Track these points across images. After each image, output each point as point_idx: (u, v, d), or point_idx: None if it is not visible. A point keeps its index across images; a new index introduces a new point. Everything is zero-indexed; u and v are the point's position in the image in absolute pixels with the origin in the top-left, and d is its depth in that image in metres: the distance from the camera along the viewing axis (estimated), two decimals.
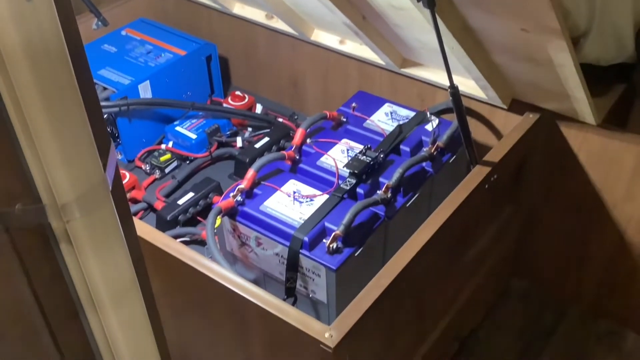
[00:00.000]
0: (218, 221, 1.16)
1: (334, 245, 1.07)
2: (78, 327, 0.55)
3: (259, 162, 1.19)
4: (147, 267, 0.99)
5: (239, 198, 1.16)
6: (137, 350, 0.59)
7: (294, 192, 1.18)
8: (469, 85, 1.30)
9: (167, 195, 1.45)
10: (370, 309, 0.92)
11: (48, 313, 0.53)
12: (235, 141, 1.57)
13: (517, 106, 1.30)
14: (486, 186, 1.15)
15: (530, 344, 1.44)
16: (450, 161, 1.28)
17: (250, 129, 1.62)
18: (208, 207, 1.40)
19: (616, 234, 1.35)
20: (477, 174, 1.14)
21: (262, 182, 1.20)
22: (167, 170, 1.52)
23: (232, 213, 1.16)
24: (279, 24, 1.55)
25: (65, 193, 0.47)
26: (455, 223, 1.08)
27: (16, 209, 0.48)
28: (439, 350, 1.28)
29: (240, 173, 1.50)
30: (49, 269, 0.52)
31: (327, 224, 1.11)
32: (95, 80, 1.51)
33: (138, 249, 0.58)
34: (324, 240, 1.09)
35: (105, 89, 1.49)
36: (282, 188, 1.18)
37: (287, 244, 1.10)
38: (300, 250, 1.09)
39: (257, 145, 1.49)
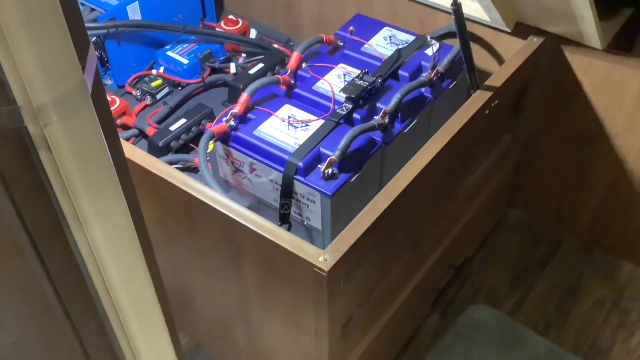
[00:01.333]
0: (210, 146, 1.13)
1: (330, 170, 1.05)
2: (62, 241, 0.52)
3: (252, 85, 1.15)
4: (138, 193, 0.96)
5: (232, 123, 1.13)
6: (125, 267, 0.57)
7: (289, 117, 1.14)
8: (472, 7, 1.25)
9: (159, 122, 1.41)
10: (365, 233, 0.90)
11: (30, 227, 0.50)
12: (229, 67, 1.52)
13: (520, 29, 1.25)
14: (486, 112, 1.12)
15: (524, 274, 1.44)
16: (450, 87, 1.24)
17: (244, 55, 1.56)
18: (201, 134, 1.35)
19: (616, 164, 1.32)
20: (477, 99, 1.10)
21: (256, 107, 1.16)
22: (158, 97, 1.48)
23: (225, 138, 1.13)
24: None
25: (41, 94, 0.44)
26: (453, 149, 1.05)
27: None
28: (433, 278, 1.28)
29: (233, 100, 1.45)
30: (28, 178, 0.49)
31: (322, 150, 1.08)
32: (82, 1, 1.44)
33: (123, 160, 0.55)
34: (319, 166, 1.06)
35: (92, 9, 1.43)
36: (277, 113, 1.15)
37: (282, 169, 1.07)
38: (295, 176, 1.06)
39: (252, 72, 1.44)
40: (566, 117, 1.32)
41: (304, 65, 1.24)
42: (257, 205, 1.20)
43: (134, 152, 1.03)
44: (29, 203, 0.50)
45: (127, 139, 1.38)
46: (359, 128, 1.07)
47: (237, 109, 1.14)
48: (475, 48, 1.33)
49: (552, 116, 1.34)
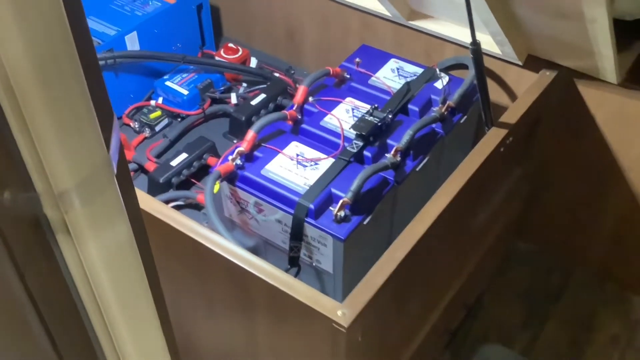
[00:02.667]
0: (216, 186, 1.08)
1: (342, 213, 1.01)
2: (79, 329, 0.48)
3: (259, 122, 1.11)
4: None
5: (238, 161, 1.09)
6: (144, 348, 0.53)
7: (297, 155, 1.10)
8: (481, 39, 1.21)
9: (159, 156, 1.37)
10: (384, 284, 0.86)
11: (45, 313, 0.46)
12: (230, 97, 1.48)
13: (532, 62, 1.23)
14: (501, 149, 1.09)
15: (536, 309, 1.41)
16: (462, 121, 1.21)
17: (245, 85, 1.52)
18: (202, 169, 1.32)
19: (628, 197, 1.30)
20: (492, 137, 1.07)
21: (263, 144, 1.12)
22: (157, 129, 1.43)
23: (231, 177, 1.08)
24: None
25: (63, 179, 0.40)
26: (470, 190, 1.02)
27: (4, 198, 0.40)
28: (447, 319, 1.24)
29: (235, 132, 1.42)
30: (44, 264, 0.44)
31: (333, 190, 1.04)
32: None
33: (144, 236, 0.51)
34: (331, 208, 1.02)
35: None
36: (285, 150, 1.11)
37: (292, 211, 1.03)
38: (306, 219, 1.02)
39: (253, 102, 1.41)
40: (578, 150, 1.30)
41: (310, 99, 1.20)
42: (264, 246, 1.15)
43: (140, 197, 0.98)
44: (44, 289, 0.45)
45: None
46: (371, 168, 1.03)
47: (243, 146, 1.09)
48: None
49: (564, 149, 1.32)
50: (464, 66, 1.30)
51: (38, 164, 0.39)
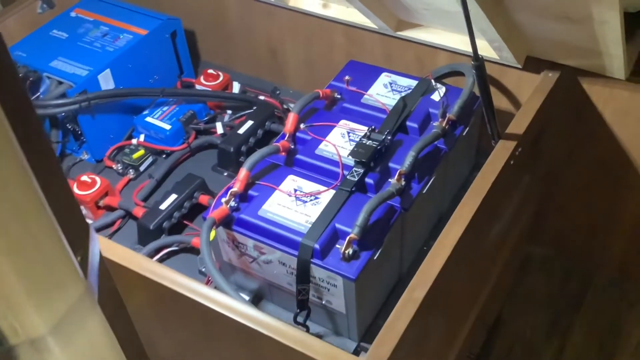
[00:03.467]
0: (212, 234, 1.01)
1: (350, 250, 0.93)
2: None
3: (251, 159, 1.03)
4: (141, 301, 0.84)
5: (232, 203, 1.01)
6: None
7: (295, 190, 1.03)
8: (478, 45, 1.14)
9: (146, 198, 1.29)
10: (406, 329, 0.79)
11: None
12: (215, 127, 1.40)
13: (532, 64, 1.16)
14: (511, 162, 1.02)
15: (559, 317, 1.34)
16: (464, 134, 1.14)
17: (229, 112, 1.45)
18: (194, 208, 1.24)
19: None
20: (501, 151, 1.00)
21: (257, 182, 1.05)
22: (142, 168, 1.35)
23: (227, 222, 1.01)
24: None
25: (34, 327, 0.32)
26: (484, 210, 0.95)
27: None
28: (470, 344, 1.17)
29: (225, 164, 1.34)
30: None
31: (338, 226, 0.97)
32: (47, 74, 1.32)
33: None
34: (337, 246, 0.95)
35: (60, 83, 1.31)
36: (281, 186, 1.03)
37: (295, 253, 0.96)
38: (312, 260, 0.95)
39: (241, 131, 1.33)
40: (589, 150, 1.23)
41: (302, 126, 1.13)
42: (269, 289, 1.08)
43: (130, 257, 0.90)
44: None
45: (113, 222, 1.25)
46: (376, 199, 0.96)
47: (236, 187, 1.02)
48: None
49: (574, 149, 1.25)
50: (459, 73, 1.24)
51: (5, 316, 0.32)
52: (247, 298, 1.11)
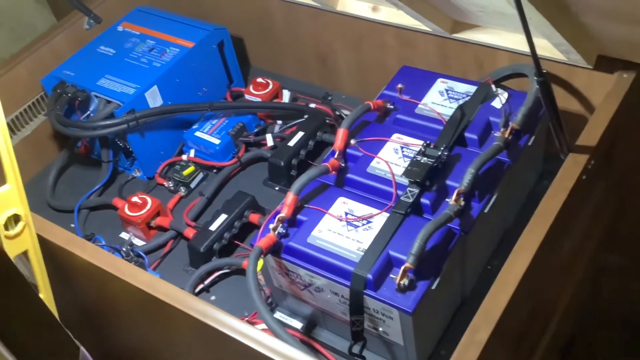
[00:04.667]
0: (260, 264, 0.96)
1: (405, 281, 0.87)
2: None
3: (298, 182, 0.98)
4: (186, 338, 0.80)
5: (280, 230, 0.96)
6: None
7: (346, 214, 0.97)
8: (540, 44, 1.04)
9: (197, 217, 1.26)
10: None
11: None
12: (265, 139, 1.35)
13: (603, 63, 1.05)
14: (584, 177, 0.93)
15: (637, 332, 1.23)
16: (530, 144, 1.05)
17: (279, 122, 1.40)
18: (245, 227, 1.20)
19: None
20: (572, 166, 0.91)
21: (306, 205, 0.99)
22: (192, 185, 1.32)
23: (275, 249, 0.96)
24: None
25: None
26: (553, 235, 0.86)
27: None
28: None
29: (275, 178, 1.30)
30: None
31: (392, 253, 0.91)
32: (95, 93, 1.30)
33: None
34: (392, 276, 0.88)
35: (108, 102, 1.29)
36: (331, 210, 0.98)
37: (347, 283, 0.90)
38: (365, 291, 0.89)
39: (291, 143, 1.28)
40: None
41: (352, 141, 1.06)
42: (322, 316, 1.03)
43: (169, 291, 0.86)
44: None
45: (165, 243, 1.23)
46: (433, 225, 0.88)
47: (283, 212, 0.97)
48: None
49: None
50: (522, 74, 1.14)
51: None
52: (300, 325, 1.06)
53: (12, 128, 1.37)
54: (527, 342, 0.99)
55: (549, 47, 1.03)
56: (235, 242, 1.19)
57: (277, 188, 1.30)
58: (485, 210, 0.97)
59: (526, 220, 0.88)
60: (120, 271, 0.89)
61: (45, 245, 0.95)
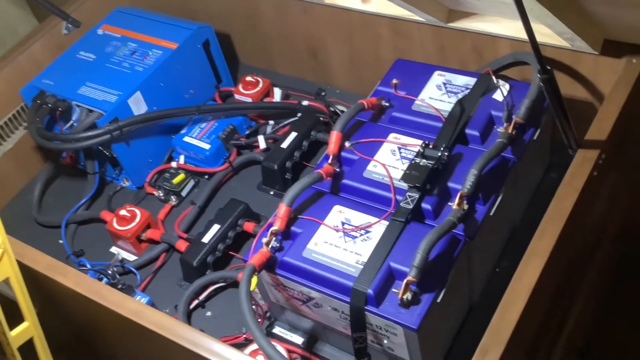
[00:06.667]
0: (254, 282, 0.91)
1: (408, 295, 0.81)
2: None
3: (291, 192, 0.92)
4: None
5: (274, 244, 0.90)
6: None
7: (343, 224, 0.91)
8: (545, 32, 0.98)
9: (189, 228, 1.20)
10: None
11: None
12: (257, 141, 1.29)
13: (610, 48, 0.98)
14: (595, 174, 0.86)
15: None
16: (535, 138, 0.99)
17: (271, 122, 1.33)
18: (239, 237, 1.15)
19: None
20: (582, 163, 0.85)
21: (300, 216, 0.93)
22: (183, 194, 1.27)
23: (269, 265, 0.90)
24: None
25: None
26: (565, 238, 0.80)
27: None
28: None
29: (270, 182, 1.24)
30: None
31: (393, 265, 0.85)
32: (77, 102, 1.24)
33: None
34: (394, 290, 0.83)
35: (90, 111, 1.23)
36: (327, 220, 0.92)
37: (347, 299, 0.85)
38: (366, 307, 0.83)
39: (284, 145, 1.22)
40: None
41: (347, 144, 1.00)
42: (323, 331, 0.98)
43: (162, 322, 0.81)
44: None
45: (157, 257, 1.17)
46: (435, 233, 0.82)
47: (276, 225, 0.91)
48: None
49: None
50: (523, 63, 1.07)
51: None
52: (301, 340, 1.01)
53: None
54: (542, 349, 0.93)
55: (552, 33, 0.96)
56: (230, 252, 1.14)
57: (271, 192, 1.24)
58: (491, 213, 0.91)
59: (534, 218, 0.83)
60: (105, 299, 0.84)
61: (27, 272, 0.90)
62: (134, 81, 1.24)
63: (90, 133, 1.18)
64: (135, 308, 0.82)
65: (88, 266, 1.12)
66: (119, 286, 1.02)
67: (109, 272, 1.05)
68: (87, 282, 0.86)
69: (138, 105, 1.24)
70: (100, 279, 1.05)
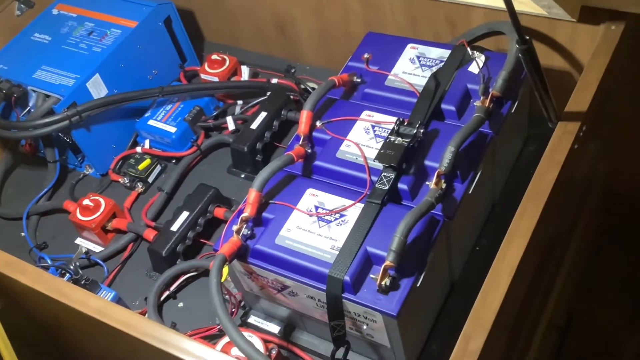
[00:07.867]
0: (225, 272, 0.86)
1: (387, 281, 0.78)
2: None
3: (260, 177, 0.87)
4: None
5: (245, 231, 0.86)
6: None
7: (317, 208, 0.87)
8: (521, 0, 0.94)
9: (157, 216, 1.15)
10: None
11: None
12: (226, 122, 1.24)
13: (588, 14, 0.95)
14: (576, 147, 0.83)
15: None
16: (512, 111, 0.95)
17: (240, 102, 1.28)
18: (210, 224, 1.10)
19: None
20: (562, 136, 0.82)
21: (271, 202, 0.89)
22: (150, 180, 1.21)
23: (241, 254, 0.86)
24: None
25: None
26: (547, 216, 0.77)
27: None
28: (540, 354, 1.01)
29: (240, 165, 1.19)
30: None
31: (370, 249, 0.81)
32: (32, 87, 1.17)
33: None
34: (372, 276, 0.79)
35: (46, 96, 1.16)
36: (300, 204, 0.87)
37: (323, 287, 0.81)
38: (343, 294, 0.80)
39: (254, 126, 1.17)
40: None
41: (318, 124, 0.96)
42: (300, 319, 0.94)
43: (128, 319, 0.76)
44: None
45: (124, 248, 1.12)
46: (413, 215, 0.79)
47: (247, 211, 0.86)
48: None
49: None
50: (499, 33, 1.03)
51: None
52: (277, 328, 0.97)
53: None
54: (524, 329, 0.91)
55: (528, 1, 0.92)
56: (201, 240, 1.09)
57: (242, 176, 1.19)
58: (470, 191, 0.88)
59: (514, 192, 0.80)
60: (67, 297, 0.79)
61: None
62: (92, 63, 1.17)
63: (47, 120, 1.11)
64: (98, 305, 0.77)
65: (49, 262, 1.06)
66: (82, 282, 0.97)
67: (71, 267, 0.99)
68: (47, 279, 0.81)
69: (98, 89, 1.17)
70: (63, 275, 1.00)
